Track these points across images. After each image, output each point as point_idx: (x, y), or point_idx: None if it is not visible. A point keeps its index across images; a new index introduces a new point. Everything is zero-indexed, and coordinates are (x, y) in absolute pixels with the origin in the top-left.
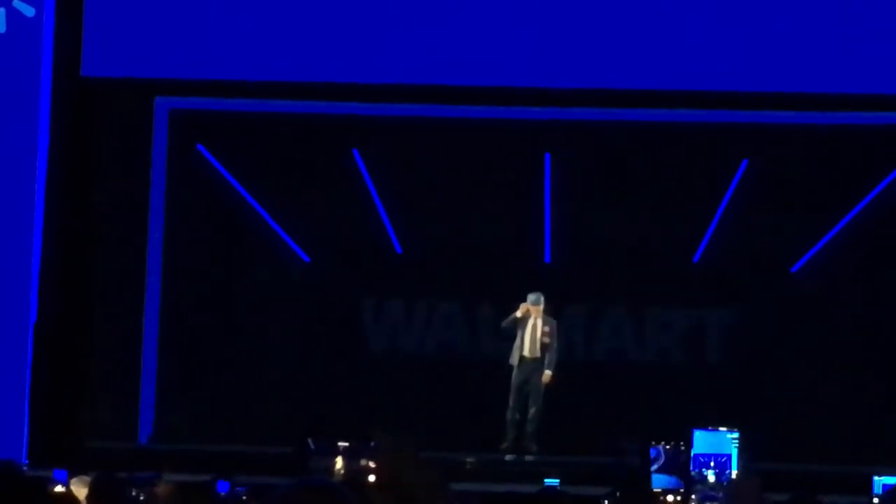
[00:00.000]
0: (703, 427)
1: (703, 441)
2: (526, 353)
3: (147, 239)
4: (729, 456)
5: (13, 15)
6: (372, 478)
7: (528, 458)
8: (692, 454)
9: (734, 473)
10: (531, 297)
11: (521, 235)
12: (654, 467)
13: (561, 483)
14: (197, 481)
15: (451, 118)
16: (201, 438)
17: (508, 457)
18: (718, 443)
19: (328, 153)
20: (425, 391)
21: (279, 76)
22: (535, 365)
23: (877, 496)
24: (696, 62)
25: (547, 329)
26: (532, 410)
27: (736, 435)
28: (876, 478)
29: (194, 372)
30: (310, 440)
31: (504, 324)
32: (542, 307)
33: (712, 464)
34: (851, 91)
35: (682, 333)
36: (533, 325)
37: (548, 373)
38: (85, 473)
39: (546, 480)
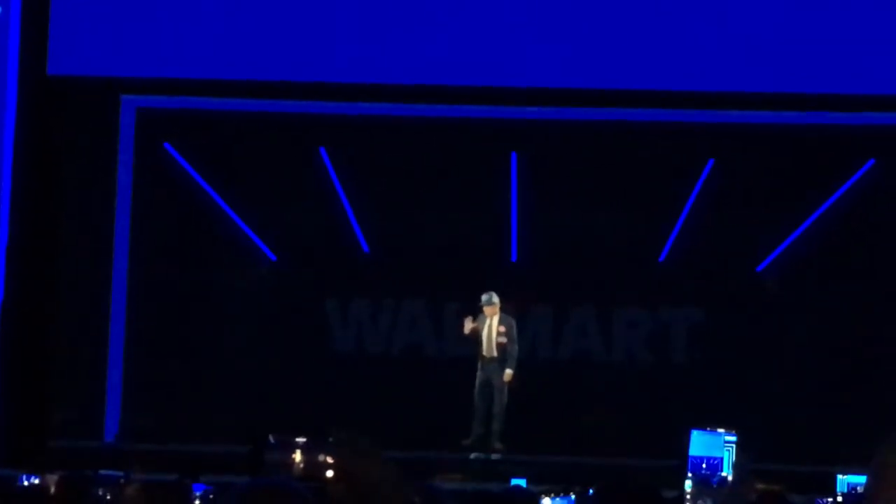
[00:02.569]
0: (702, 428)
1: (699, 442)
2: (484, 353)
3: (113, 237)
4: (721, 459)
5: None
6: (329, 473)
7: (495, 457)
8: (689, 455)
9: (727, 476)
10: (483, 297)
11: (488, 234)
12: None
13: (527, 482)
14: (167, 481)
15: (418, 117)
16: (167, 437)
17: (474, 455)
18: (713, 444)
19: (295, 152)
20: (391, 390)
21: (246, 75)
22: (494, 365)
23: (841, 495)
24: (662, 62)
25: (503, 329)
26: (496, 410)
27: (734, 438)
28: (840, 476)
29: (160, 371)
30: (270, 436)
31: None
32: (496, 306)
33: (704, 465)
34: (817, 91)
35: (648, 333)
36: (489, 325)
37: (508, 372)
38: (51, 472)
39: (512, 480)
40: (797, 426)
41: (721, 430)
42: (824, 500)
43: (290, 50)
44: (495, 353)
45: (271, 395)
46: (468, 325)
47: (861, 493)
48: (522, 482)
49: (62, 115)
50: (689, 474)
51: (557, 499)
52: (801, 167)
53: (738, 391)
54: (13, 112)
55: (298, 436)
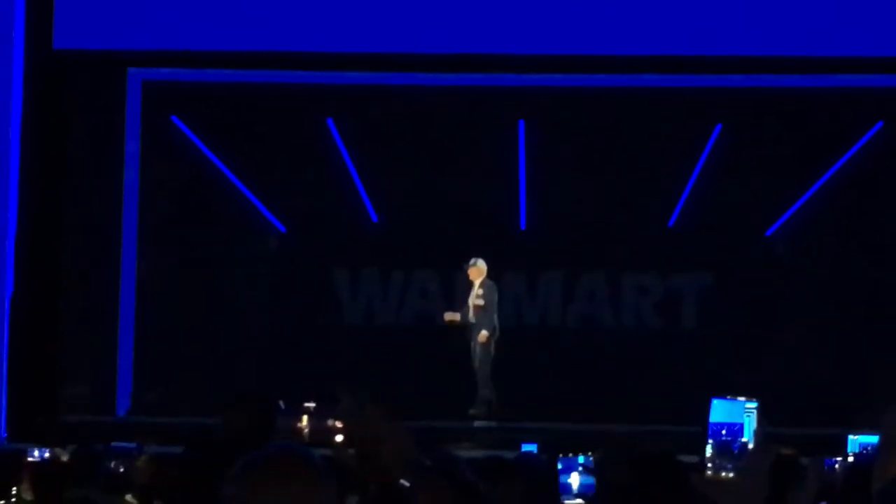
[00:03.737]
0: (722, 396)
1: (720, 410)
2: (470, 318)
3: (122, 211)
4: (741, 425)
5: None
6: (339, 437)
7: (490, 423)
8: (709, 422)
9: (747, 442)
10: (470, 261)
11: (497, 203)
12: None
13: (538, 449)
14: (177, 453)
15: (426, 86)
16: (179, 410)
17: (479, 424)
18: (734, 411)
19: (303, 123)
20: (402, 360)
21: (253, 46)
22: (472, 330)
23: (852, 454)
24: (669, 27)
25: (481, 292)
26: (482, 374)
27: (754, 404)
28: (851, 437)
29: (171, 344)
30: (280, 402)
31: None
32: (479, 270)
33: (723, 432)
34: (825, 54)
35: (658, 298)
36: (472, 290)
37: (484, 333)
38: (63, 447)
39: (523, 446)
40: (808, 389)
41: (742, 398)
42: (834, 460)
43: (296, 20)
44: (473, 319)
45: (282, 366)
46: (454, 317)
47: (872, 454)
48: (533, 447)
49: (69, 90)
50: (710, 441)
51: (581, 457)
52: (809, 131)
53: (747, 355)
54: (20, 87)
55: (302, 399)
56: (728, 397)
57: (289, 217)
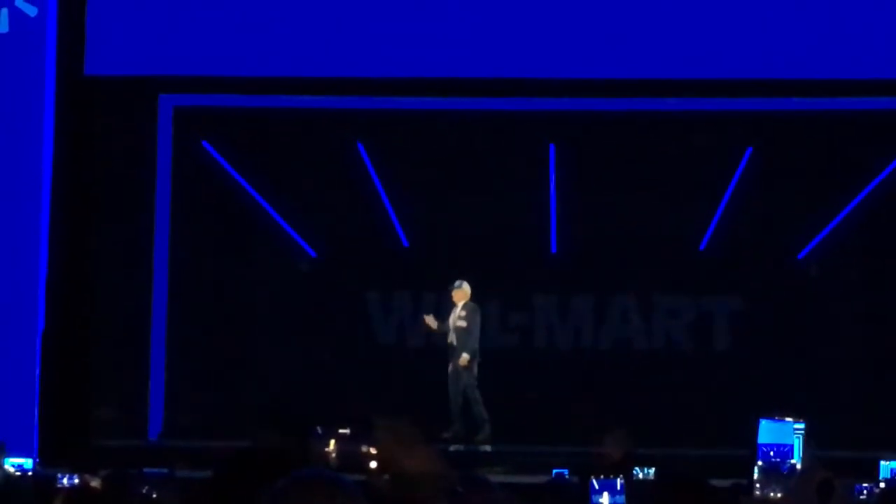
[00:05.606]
0: (770, 417)
1: (767, 431)
2: (449, 339)
3: (153, 236)
4: (791, 446)
5: (16, 15)
6: (373, 464)
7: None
8: (758, 444)
9: (796, 463)
10: (455, 283)
11: (528, 227)
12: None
13: (570, 473)
14: (208, 478)
15: (456, 110)
16: (211, 434)
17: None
18: (782, 432)
19: (333, 147)
20: (433, 384)
21: (283, 71)
22: (452, 352)
23: (884, 480)
24: (699, 50)
25: (464, 313)
26: (459, 399)
27: (802, 425)
28: (883, 462)
29: (203, 367)
30: (318, 428)
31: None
32: (463, 292)
33: (772, 453)
34: (855, 77)
35: (690, 321)
36: (454, 312)
37: (465, 356)
38: (91, 472)
39: (554, 470)
40: (840, 412)
41: (789, 419)
42: (862, 486)
43: (327, 45)
44: (455, 340)
45: (314, 389)
46: (432, 322)
47: None
48: (564, 472)
49: (100, 116)
50: (759, 462)
51: (787, 422)
52: (840, 153)
53: (779, 379)
54: (51, 113)
55: (337, 424)
56: (776, 418)
57: (319, 241)
